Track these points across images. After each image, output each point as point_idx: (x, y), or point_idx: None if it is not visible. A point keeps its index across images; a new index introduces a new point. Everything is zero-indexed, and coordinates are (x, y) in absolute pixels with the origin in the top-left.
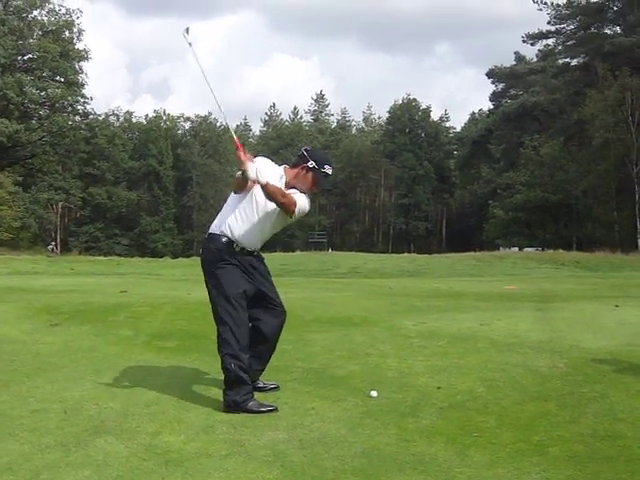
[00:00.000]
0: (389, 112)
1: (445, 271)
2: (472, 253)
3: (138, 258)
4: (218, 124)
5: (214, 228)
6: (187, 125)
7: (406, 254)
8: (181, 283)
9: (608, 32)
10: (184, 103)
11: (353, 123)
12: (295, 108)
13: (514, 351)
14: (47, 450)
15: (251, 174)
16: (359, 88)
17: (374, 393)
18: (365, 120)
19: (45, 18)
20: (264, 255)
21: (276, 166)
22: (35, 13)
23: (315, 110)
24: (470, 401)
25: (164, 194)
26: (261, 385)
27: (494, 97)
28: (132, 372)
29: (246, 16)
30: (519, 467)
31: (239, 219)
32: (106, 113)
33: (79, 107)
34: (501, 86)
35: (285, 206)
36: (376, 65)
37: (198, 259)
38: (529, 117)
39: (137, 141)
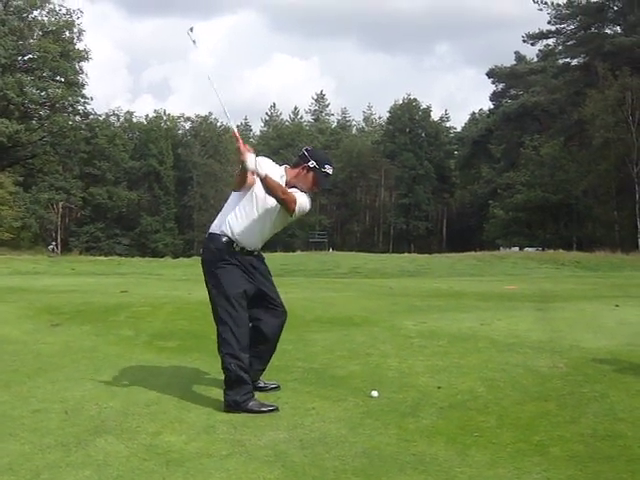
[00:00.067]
0: (389, 112)
1: (445, 271)
2: (472, 253)
3: (139, 258)
4: (219, 124)
5: (214, 228)
6: (187, 125)
7: (406, 254)
8: (182, 283)
9: (608, 32)
10: (184, 103)
11: (353, 123)
12: (295, 108)
13: (514, 351)
14: (48, 450)
15: (250, 165)
16: (359, 88)
17: (375, 393)
18: (365, 120)
19: (45, 18)
20: (264, 255)
21: (277, 166)
22: (35, 13)
23: (315, 110)
24: (470, 401)
25: (165, 194)
26: (262, 385)
27: (494, 97)
28: (133, 372)
29: (246, 16)
30: (520, 467)
31: (239, 217)
32: (106, 113)
33: (79, 107)
34: (501, 86)
35: (285, 203)
36: (376, 65)
37: (199, 259)
38: (529, 117)
39: (137, 141)
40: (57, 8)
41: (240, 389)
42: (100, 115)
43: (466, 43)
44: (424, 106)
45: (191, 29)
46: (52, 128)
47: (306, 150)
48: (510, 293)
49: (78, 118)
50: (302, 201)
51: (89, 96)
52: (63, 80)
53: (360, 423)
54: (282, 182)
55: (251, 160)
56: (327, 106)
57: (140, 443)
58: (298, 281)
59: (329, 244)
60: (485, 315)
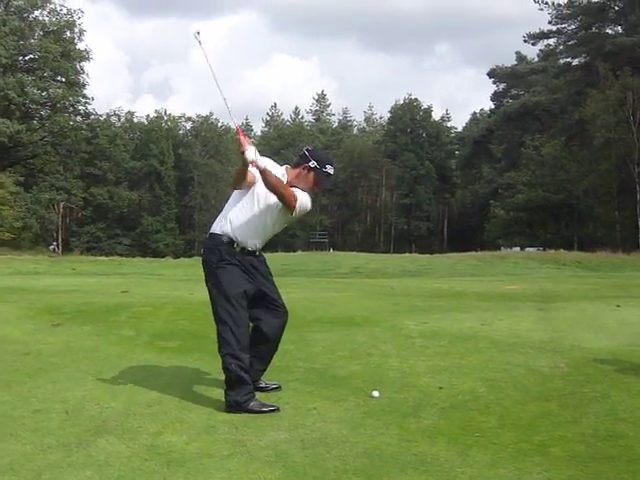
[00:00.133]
0: (390, 112)
1: (446, 271)
2: (473, 253)
3: (140, 258)
4: (219, 124)
5: (215, 228)
6: (188, 125)
7: (407, 254)
8: (183, 283)
9: (609, 32)
10: (185, 103)
11: (354, 123)
12: (296, 108)
13: (515, 351)
14: (49, 450)
15: (249, 155)
16: (360, 88)
17: (376, 393)
18: (366, 120)
19: (46, 18)
20: (265, 255)
21: (278, 166)
22: (36, 13)
23: (316, 110)
24: (472, 401)
25: (165, 194)
26: (263, 385)
27: (495, 97)
28: (134, 372)
29: (247, 16)
30: (521, 467)
31: (240, 216)
32: (107, 113)
33: (80, 107)
34: (502, 86)
35: (285, 198)
36: (377, 65)
37: (200, 259)
38: (530, 117)
39: (138, 141)
40: (58, 8)
41: (241, 389)
42: (101, 115)
43: (467, 43)
44: (425, 106)
45: (198, 32)
46: (53, 128)
47: (307, 150)
48: (511, 293)
49: (79, 118)
50: (303, 200)
51: (90, 96)
52: (64, 80)
53: (361, 423)
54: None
55: (251, 151)
56: (328, 106)
57: (141, 443)
58: (299, 281)
59: (330, 244)
60: (486, 315)
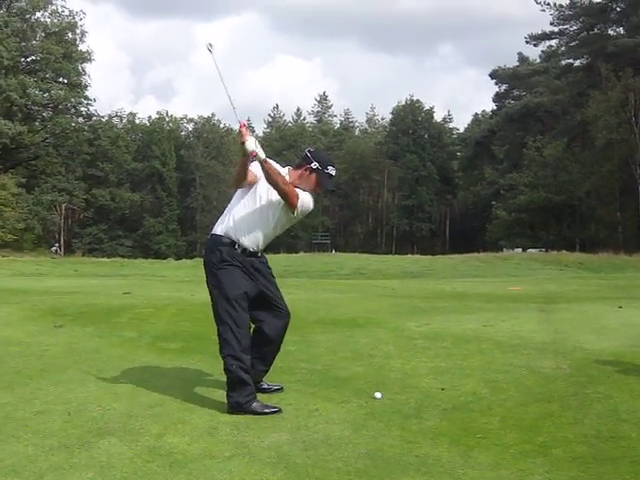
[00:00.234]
0: (392, 113)
1: (449, 272)
2: (475, 254)
3: (142, 259)
4: (221, 125)
5: (216, 229)
6: (190, 126)
7: (409, 255)
8: (185, 284)
9: (611, 33)
10: (187, 104)
11: (356, 124)
12: (298, 109)
13: (518, 352)
14: (51, 452)
15: (249, 145)
16: (362, 89)
17: (378, 394)
18: (368, 121)
19: (48, 20)
20: (267, 256)
21: (280, 167)
22: (38, 15)
23: (318, 111)
24: (474, 402)
25: (167, 195)
26: (265, 386)
27: (497, 98)
28: (136, 373)
29: (249, 17)
30: (523, 468)
31: (241, 216)
32: (109, 115)
33: (82, 109)
34: (504, 87)
35: (286, 195)
36: (379, 66)
37: (201, 260)
38: (532, 118)
39: (140, 142)
40: (60, 9)
41: (242, 390)
42: (103, 116)
43: (469, 44)
44: (427, 107)
45: (210, 45)
46: (55, 129)
47: (309, 151)
48: (513, 294)
49: (81, 119)
50: (305, 199)
51: (92, 97)
52: (66, 81)
53: (363, 424)
54: None
55: (251, 142)
56: (330, 107)
57: (143, 444)
58: (301, 282)
59: (332, 245)
60: (488, 316)
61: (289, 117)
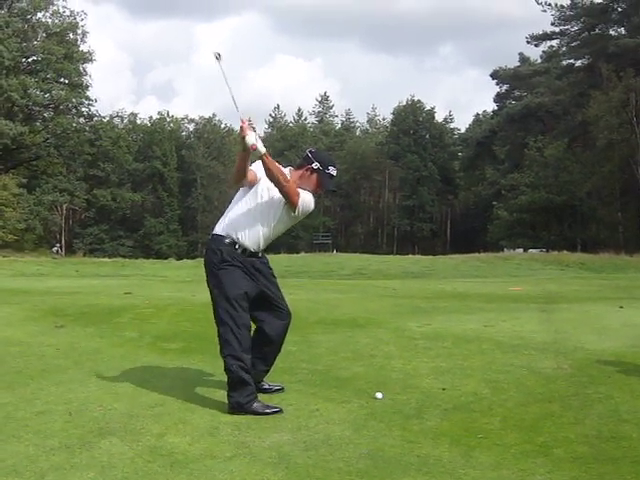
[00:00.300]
0: (393, 113)
1: (449, 272)
2: (476, 254)
3: (143, 260)
4: (222, 125)
5: (217, 229)
6: (191, 127)
7: (410, 255)
8: (186, 285)
9: (612, 33)
10: (189, 105)
11: (357, 124)
12: (299, 109)
13: (519, 352)
14: (52, 452)
15: (249, 139)
16: (363, 89)
17: (379, 395)
18: (369, 121)
19: (49, 20)
20: (268, 256)
21: (281, 167)
22: (39, 15)
23: (319, 111)
24: (475, 402)
25: (168, 196)
26: (266, 387)
27: (498, 98)
28: (137, 374)
29: (249, 17)
30: (524, 468)
31: (242, 215)
32: (110, 115)
33: (83, 109)
34: (505, 87)
35: (287, 192)
36: (380, 66)
37: (202, 260)
38: (533, 118)
39: (141, 143)
40: (61, 10)
41: (243, 390)
42: (104, 117)
43: (470, 44)
44: (428, 107)
45: (219, 54)
46: (56, 130)
47: (310, 152)
48: (514, 294)
49: (82, 120)
50: (306, 199)
51: (93, 98)
52: (67, 82)
53: (364, 425)
54: None
55: (251, 136)
56: (331, 107)
57: (144, 445)
58: (302, 282)
59: (333, 245)
60: (489, 316)
61: (290, 117)
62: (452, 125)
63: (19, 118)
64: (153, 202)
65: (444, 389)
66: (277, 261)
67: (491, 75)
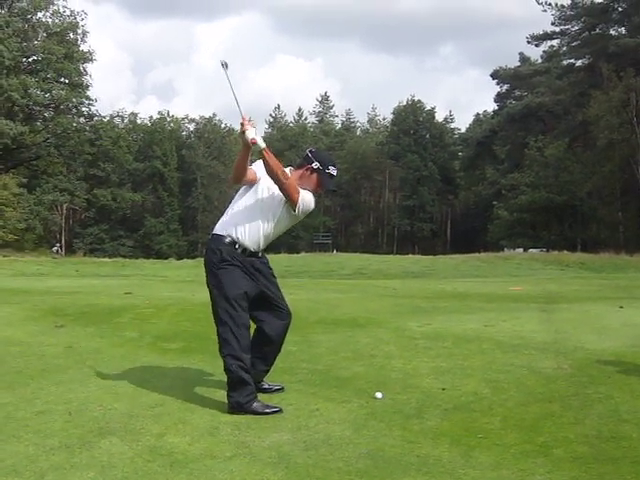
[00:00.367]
0: (394, 113)
1: (450, 272)
2: (477, 254)
3: (143, 259)
4: (223, 125)
5: (218, 229)
6: (192, 126)
7: (411, 255)
8: (186, 284)
9: (613, 33)
10: (189, 104)
11: (358, 124)
12: (300, 109)
13: (519, 352)
14: (52, 452)
15: (250, 133)
16: (363, 89)
17: (379, 394)
18: (370, 121)
19: (49, 20)
20: (268, 256)
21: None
22: (39, 15)
23: (320, 111)
24: (475, 402)
25: (169, 195)
26: (266, 387)
27: (499, 98)
28: (137, 373)
29: (250, 17)
30: (524, 468)
31: (242, 213)
32: (111, 115)
33: (84, 109)
34: (506, 87)
35: (286, 188)
36: (380, 66)
37: (202, 260)
38: (534, 118)
39: (142, 143)
40: (61, 10)
41: (243, 390)
42: (104, 117)
43: (470, 44)
44: (428, 107)
45: (225, 63)
46: (56, 130)
47: (310, 151)
48: (514, 294)
49: (82, 120)
50: (306, 197)
51: (93, 97)
52: (67, 81)
53: (364, 424)
54: None
55: (252, 130)
56: (331, 107)
57: (144, 444)
58: (302, 282)
59: (333, 245)
60: (489, 316)
61: (290, 117)
62: (452, 125)
63: (19, 118)
64: (153, 202)
65: (444, 389)
66: (277, 261)
67: (491, 75)
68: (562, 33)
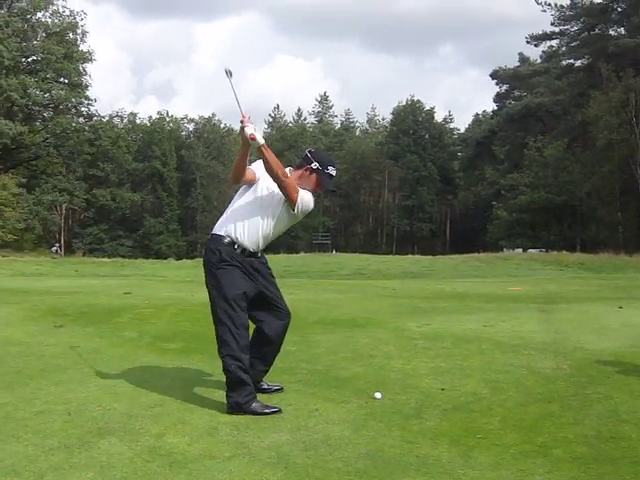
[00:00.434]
0: (393, 113)
1: (449, 272)
2: (476, 254)
3: (142, 260)
4: (222, 125)
5: (217, 229)
6: (191, 126)
7: (410, 255)
8: (185, 285)
9: (612, 33)
10: (188, 104)
11: (357, 124)
12: (299, 109)
13: (518, 352)
14: (51, 452)
15: (249, 129)
16: (363, 89)
17: (378, 395)
18: (369, 121)
19: (49, 20)
20: (268, 256)
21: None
22: (39, 15)
23: (319, 111)
24: (474, 403)
25: (168, 196)
26: (265, 387)
27: (498, 98)
28: (136, 374)
29: (249, 17)
30: (523, 469)
31: (241, 213)
32: (110, 115)
33: (83, 109)
34: (505, 87)
35: (285, 187)
36: (380, 66)
37: (202, 260)
38: (533, 118)
39: (141, 143)
40: (61, 10)
41: (242, 390)
42: (104, 117)
43: (469, 44)
44: (427, 107)
45: (230, 72)
46: (55, 130)
47: (309, 152)
48: (513, 294)
49: (81, 120)
50: (305, 197)
51: (93, 97)
52: (67, 81)
53: (364, 425)
54: None
55: (251, 127)
56: (331, 107)
57: (143, 445)
58: (301, 283)
59: (332, 246)
60: (489, 317)
61: (290, 117)
62: (452, 125)
63: (19, 118)
64: (152, 202)
65: (443, 389)
66: (276, 261)
67: (491, 75)
68: (561, 33)
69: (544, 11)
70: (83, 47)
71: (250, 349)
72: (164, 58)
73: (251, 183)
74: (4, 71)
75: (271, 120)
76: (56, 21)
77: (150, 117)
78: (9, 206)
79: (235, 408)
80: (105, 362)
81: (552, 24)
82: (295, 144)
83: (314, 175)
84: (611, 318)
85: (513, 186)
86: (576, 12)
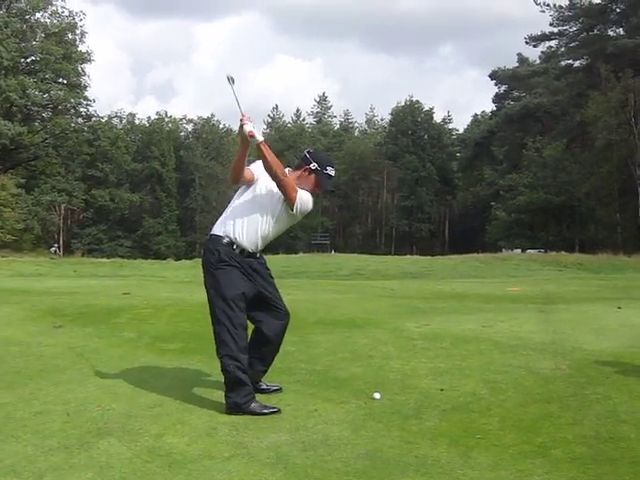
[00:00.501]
0: (392, 114)
1: (448, 273)
2: (475, 255)
3: (141, 260)
4: (221, 126)
5: (216, 229)
6: (190, 127)
7: (409, 256)
8: (184, 285)
9: (611, 34)
10: (188, 105)
11: (356, 125)
12: (298, 110)
13: (517, 353)
14: (50, 452)
15: (247, 127)
16: (362, 90)
17: (377, 395)
18: (368, 122)
19: (48, 20)
20: (266, 257)
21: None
22: (38, 15)
23: (318, 112)
24: (473, 403)
25: (167, 196)
26: (264, 387)
27: (497, 99)
28: (135, 374)
29: (249, 17)
30: (522, 469)
31: (240, 214)
32: (109, 115)
33: (82, 109)
34: (504, 88)
35: (284, 186)
36: (379, 67)
37: (200, 261)
38: (532, 119)
39: (140, 143)
40: (60, 10)
41: (240, 390)
42: (102, 117)
43: (469, 45)
44: (426, 108)
45: (232, 78)
46: (54, 130)
47: (308, 152)
48: (512, 295)
49: (80, 120)
50: (304, 197)
51: (91, 98)
52: (66, 82)
53: (362, 425)
54: None
55: (249, 124)
56: (329, 108)
57: (142, 445)
58: (300, 283)
59: (331, 246)
60: (488, 317)
61: (289, 118)
62: (451, 125)
63: (18, 118)
64: (151, 202)
65: (442, 389)
66: (275, 261)
67: (490, 75)
68: (560, 34)
69: (543, 12)
70: (82, 48)
71: (249, 349)
72: (164, 58)
73: (250, 183)
74: (3, 72)
75: (270, 120)
76: (55, 22)
77: (149, 118)
78: (8, 206)
79: (234, 408)
80: (104, 362)
81: (551, 24)
82: (294, 144)
83: (313, 175)
84: (610, 318)
85: (512, 186)
86: (575, 13)
